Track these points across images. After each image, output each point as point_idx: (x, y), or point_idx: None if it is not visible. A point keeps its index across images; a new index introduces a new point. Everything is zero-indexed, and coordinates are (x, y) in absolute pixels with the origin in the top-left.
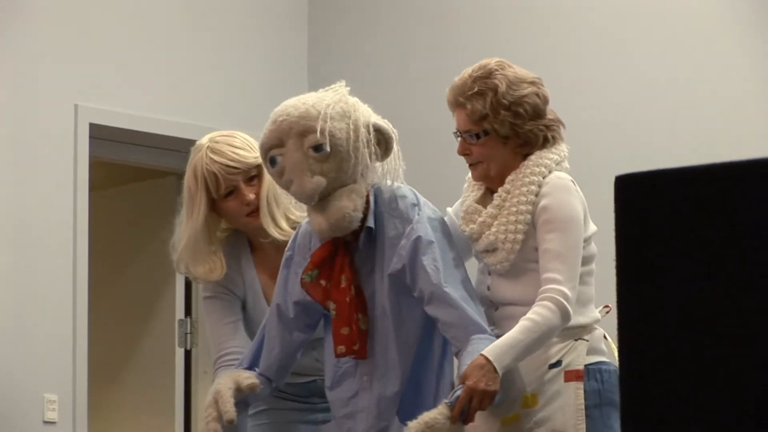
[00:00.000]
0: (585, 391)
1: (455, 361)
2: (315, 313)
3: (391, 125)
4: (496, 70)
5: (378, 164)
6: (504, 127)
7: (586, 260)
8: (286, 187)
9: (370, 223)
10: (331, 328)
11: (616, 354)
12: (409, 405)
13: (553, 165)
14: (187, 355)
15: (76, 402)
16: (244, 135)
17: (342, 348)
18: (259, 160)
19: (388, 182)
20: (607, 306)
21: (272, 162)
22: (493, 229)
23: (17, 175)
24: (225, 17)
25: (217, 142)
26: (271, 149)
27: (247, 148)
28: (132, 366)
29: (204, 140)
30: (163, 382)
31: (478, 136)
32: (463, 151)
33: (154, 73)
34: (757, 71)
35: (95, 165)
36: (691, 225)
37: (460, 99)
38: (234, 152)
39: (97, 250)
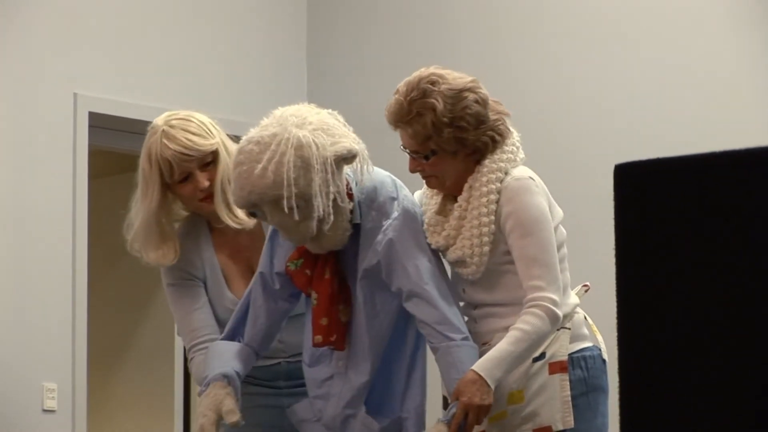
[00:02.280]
0: (570, 381)
1: (429, 354)
2: None
3: (352, 137)
4: (430, 87)
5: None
6: (450, 143)
7: (557, 247)
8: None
9: (357, 219)
10: (311, 315)
11: (598, 336)
12: (379, 396)
13: (508, 166)
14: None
15: (75, 390)
16: (201, 118)
17: (319, 338)
18: (215, 146)
19: (364, 171)
20: (585, 285)
21: (254, 214)
22: (459, 244)
23: (17, 163)
24: (225, 5)
25: (172, 126)
26: (249, 208)
27: (204, 133)
28: (131, 354)
29: (160, 121)
30: (163, 370)
31: (426, 157)
32: (414, 169)
33: (153, 63)
34: (757, 61)
35: (94, 153)
36: (691, 214)
37: (400, 124)
38: (188, 139)
39: (96, 239)
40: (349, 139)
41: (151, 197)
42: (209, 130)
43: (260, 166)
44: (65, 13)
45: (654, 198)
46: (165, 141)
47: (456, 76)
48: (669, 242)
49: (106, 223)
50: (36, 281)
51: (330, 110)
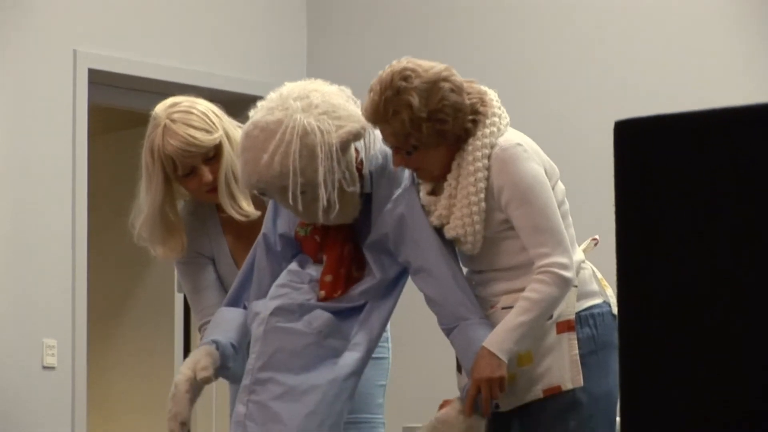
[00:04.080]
0: (579, 340)
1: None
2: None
3: (358, 116)
4: (404, 84)
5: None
6: (431, 137)
7: (558, 204)
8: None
9: (368, 189)
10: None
11: (608, 291)
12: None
13: (494, 138)
14: (187, 299)
15: (75, 347)
16: (204, 109)
17: (322, 293)
18: (218, 140)
19: (370, 147)
20: (594, 238)
21: (263, 194)
22: (452, 224)
23: (16, 121)
24: None
25: (174, 121)
26: (258, 191)
27: (206, 127)
28: (131, 311)
29: (162, 113)
30: (163, 327)
31: (408, 152)
32: (399, 164)
33: (153, 18)
34: (752, 27)
35: (94, 110)
36: (690, 170)
37: (378, 123)
38: (190, 135)
39: (96, 196)
40: (354, 120)
41: (155, 192)
42: (212, 123)
43: (266, 156)
44: None
45: (654, 154)
46: (167, 137)
47: (428, 67)
48: (669, 198)
49: (106, 180)
50: (36, 238)
51: (337, 86)
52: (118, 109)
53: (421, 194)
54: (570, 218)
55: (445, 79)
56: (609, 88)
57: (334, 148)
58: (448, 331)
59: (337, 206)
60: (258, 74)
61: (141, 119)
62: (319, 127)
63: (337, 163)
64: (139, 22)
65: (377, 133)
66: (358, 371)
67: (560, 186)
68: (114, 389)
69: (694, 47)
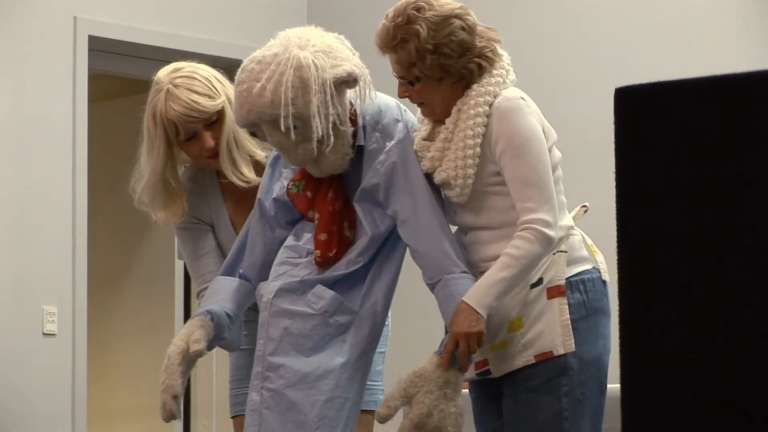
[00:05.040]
0: (569, 305)
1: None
2: (294, 210)
3: (355, 62)
4: (415, 14)
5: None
6: (434, 70)
7: (552, 168)
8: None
9: (361, 141)
10: (313, 236)
11: (598, 257)
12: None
13: (497, 89)
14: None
15: (75, 314)
16: (206, 74)
17: (318, 253)
18: (220, 106)
19: (365, 96)
20: (584, 206)
21: (253, 134)
22: (444, 166)
23: (16, 87)
24: None
25: (176, 86)
26: (249, 127)
27: (209, 93)
28: (131, 277)
29: (164, 78)
30: (163, 293)
31: (411, 83)
32: (403, 94)
33: None
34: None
35: (94, 77)
36: (691, 137)
37: (386, 49)
38: (193, 100)
39: (96, 162)
40: (350, 63)
41: (156, 157)
42: (214, 88)
43: (259, 84)
44: None
45: (654, 121)
46: (169, 102)
47: (444, 2)
48: (669, 165)
49: (106, 147)
50: (36, 205)
51: (336, 34)
52: (118, 75)
53: (416, 139)
54: (562, 185)
55: (458, 17)
56: (608, 56)
57: (328, 83)
58: (432, 286)
59: (332, 140)
60: (259, 41)
61: (141, 86)
62: (314, 62)
63: (331, 98)
64: None
65: (371, 91)
66: (368, 350)
67: (556, 152)
68: (114, 356)
69: (695, 15)
